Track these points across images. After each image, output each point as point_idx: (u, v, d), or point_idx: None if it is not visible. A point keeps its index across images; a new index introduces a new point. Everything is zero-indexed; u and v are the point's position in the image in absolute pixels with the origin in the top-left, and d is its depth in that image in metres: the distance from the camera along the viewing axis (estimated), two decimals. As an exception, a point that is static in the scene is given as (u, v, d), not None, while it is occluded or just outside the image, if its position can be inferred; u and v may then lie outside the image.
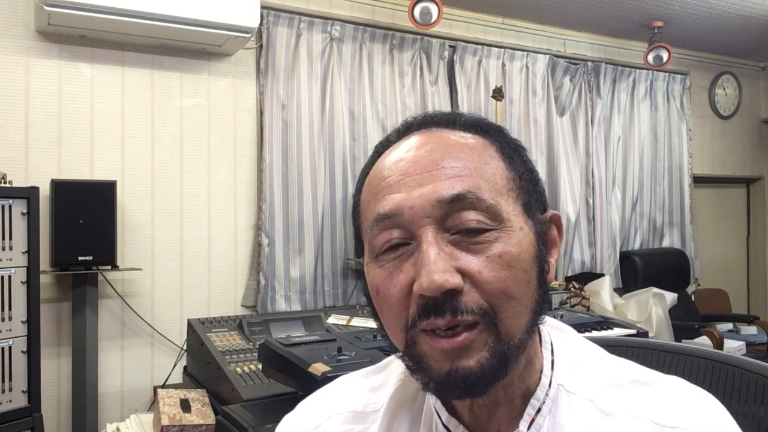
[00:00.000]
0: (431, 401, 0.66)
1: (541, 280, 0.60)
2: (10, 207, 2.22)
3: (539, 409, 0.62)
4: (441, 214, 0.57)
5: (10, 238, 2.21)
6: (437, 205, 0.57)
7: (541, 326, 0.65)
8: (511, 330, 0.57)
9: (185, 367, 2.62)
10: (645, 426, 0.59)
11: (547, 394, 0.62)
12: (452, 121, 0.64)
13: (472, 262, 0.56)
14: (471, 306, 0.55)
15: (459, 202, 0.57)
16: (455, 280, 0.55)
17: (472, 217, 0.57)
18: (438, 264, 0.55)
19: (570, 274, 4.02)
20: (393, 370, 0.72)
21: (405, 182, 0.59)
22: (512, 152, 0.63)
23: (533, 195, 0.62)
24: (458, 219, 0.57)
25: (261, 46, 3.16)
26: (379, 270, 0.60)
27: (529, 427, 0.61)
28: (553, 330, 0.68)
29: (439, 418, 0.65)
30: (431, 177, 0.58)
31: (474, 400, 0.62)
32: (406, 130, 0.65)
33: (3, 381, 2.17)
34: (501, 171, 0.60)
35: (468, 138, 0.62)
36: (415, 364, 0.59)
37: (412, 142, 0.62)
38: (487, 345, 0.56)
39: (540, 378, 0.63)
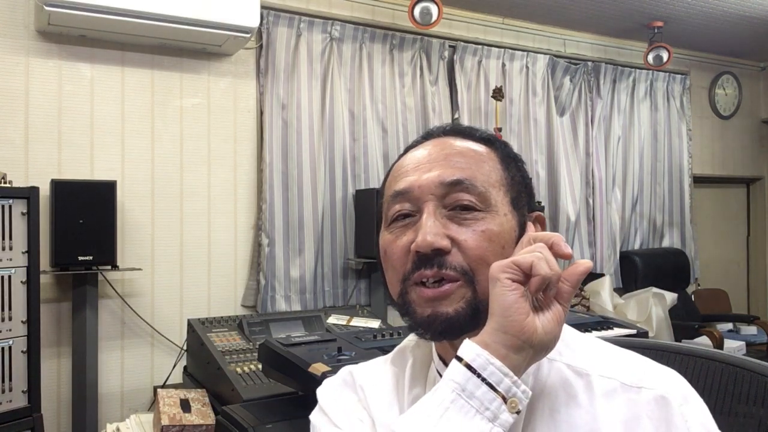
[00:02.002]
0: (434, 365, 0.79)
1: None
2: (10, 207, 2.21)
3: None
4: (441, 194, 0.72)
5: (10, 238, 2.21)
6: (440, 186, 0.72)
7: None
8: (485, 290, 0.68)
9: (185, 367, 2.62)
10: (614, 384, 0.69)
11: None
12: (467, 132, 0.79)
13: (460, 232, 0.70)
14: (455, 265, 0.69)
15: (457, 185, 0.72)
16: (444, 242, 0.69)
17: (465, 198, 0.71)
18: (432, 228, 0.70)
19: (570, 274, 4.02)
20: (405, 347, 0.85)
21: (418, 168, 0.75)
22: (510, 160, 0.78)
23: (522, 194, 0.76)
24: (454, 198, 0.71)
25: (261, 46, 3.16)
26: (389, 235, 0.76)
27: None
28: None
29: (440, 376, 0.75)
30: (439, 166, 0.74)
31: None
32: (429, 135, 0.81)
33: (3, 381, 2.17)
34: (497, 171, 0.75)
35: (477, 145, 0.77)
36: (405, 310, 0.73)
37: (431, 143, 0.78)
38: (464, 298, 0.69)
39: None
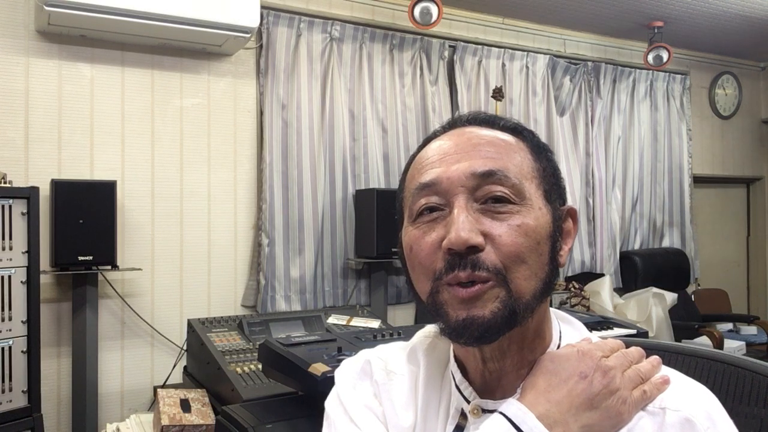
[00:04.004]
0: (450, 367, 0.76)
1: (552, 257, 0.69)
2: (10, 207, 2.21)
3: None
4: (473, 186, 0.67)
5: (10, 238, 2.21)
6: (470, 177, 0.67)
7: (553, 316, 0.74)
8: (520, 290, 0.65)
9: (185, 367, 2.62)
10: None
11: None
12: (492, 121, 0.74)
13: (494, 227, 0.66)
14: (487, 264, 0.64)
15: (489, 177, 0.67)
16: (478, 238, 0.64)
17: (498, 191, 0.66)
18: (465, 224, 0.65)
19: (570, 274, 4.02)
20: (415, 348, 0.81)
21: (445, 159, 0.70)
22: (540, 150, 0.73)
23: (554, 186, 0.72)
24: (487, 191, 0.67)
25: (261, 46, 3.16)
26: (415, 231, 0.70)
27: None
28: (564, 323, 0.76)
29: (454, 380, 0.74)
30: (468, 156, 0.69)
31: (486, 365, 0.70)
32: (451, 125, 0.76)
33: (3, 381, 2.17)
34: (528, 162, 0.70)
35: (504, 135, 0.72)
36: (436, 311, 0.68)
37: (455, 133, 0.73)
38: (499, 298, 0.65)
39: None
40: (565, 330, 0.75)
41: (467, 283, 0.65)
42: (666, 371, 0.69)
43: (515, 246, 0.65)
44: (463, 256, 0.64)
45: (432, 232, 0.68)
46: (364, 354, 0.84)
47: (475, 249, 0.64)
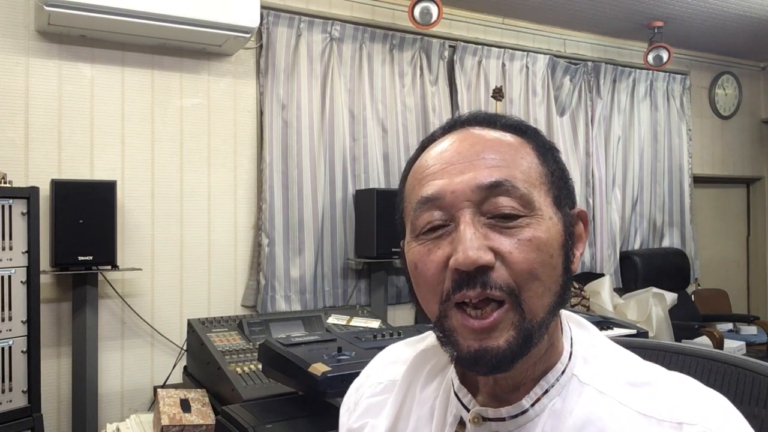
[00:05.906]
0: (450, 373, 0.73)
1: (566, 267, 0.65)
2: (10, 207, 2.21)
3: (546, 391, 0.66)
4: (479, 199, 0.63)
5: (10, 238, 2.21)
6: (476, 190, 0.63)
7: (564, 320, 0.71)
8: (534, 309, 0.62)
9: (185, 367, 2.62)
10: (650, 423, 0.62)
11: (557, 380, 0.67)
12: (493, 121, 0.70)
13: (504, 242, 0.62)
14: (499, 283, 0.61)
15: (496, 188, 0.63)
16: (488, 257, 0.61)
17: (506, 203, 0.62)
18: (473, 242, 0.61)
19: (570, 274, 4.02)
20: (430, 341, 0.80)
21: (448, 170, 0.65)
22: (546, 151, 0.69)
23: (563, 191, 0.68)
24: (494, 204, 0.63)
25: (261, 46, 3.16)
26: (419, 247, 0.66)
27: (533, 405, 0.66)
28: (575, 326, 0.73)
29: (453, 386, 0.72)
30: (472, 166, 0.64)
31: (497, 381, 0.67)
32: (450, 127, 0.71)
33: (3, 381, 2.17)
34: (535, 166, 0.66)
35: (507, 136, 0.68)
36: (445, 337, 0.65)
37: (455, 137, 0.69)
38: (513, 324, 0.61)
39: (556, 365, 0.68)
40: (577, 334, 0.72)
41: (477, 308, 0.62)
42: (680, 378, 0.66)
43: (527, 263, 0.61)
44: (473, 275, 0.61)
45: (437, 249, 0.64)
46: (357, 385, 0.86)
47: (484, 268, 0.61)
